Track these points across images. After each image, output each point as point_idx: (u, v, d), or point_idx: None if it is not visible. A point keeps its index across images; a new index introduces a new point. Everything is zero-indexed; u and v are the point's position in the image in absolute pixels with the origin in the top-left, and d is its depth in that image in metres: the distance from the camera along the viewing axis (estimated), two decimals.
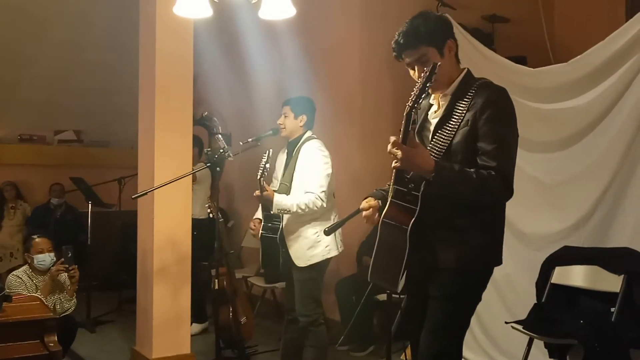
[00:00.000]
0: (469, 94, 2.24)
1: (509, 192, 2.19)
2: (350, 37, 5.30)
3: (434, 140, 2.28)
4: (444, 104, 2.32)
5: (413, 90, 2.11)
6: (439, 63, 2.13)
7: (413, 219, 2.16)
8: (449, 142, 2.22)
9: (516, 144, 2.25)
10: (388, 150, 2.12)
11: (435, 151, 2.24)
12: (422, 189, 2.18)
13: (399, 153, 2.09)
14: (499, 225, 2.31)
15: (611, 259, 3.45)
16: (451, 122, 2.24)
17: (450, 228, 2.22)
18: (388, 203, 2.26)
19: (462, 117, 2.22)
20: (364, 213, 2.42)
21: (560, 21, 5.37)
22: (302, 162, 3.48)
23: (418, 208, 2.17)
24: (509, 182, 2.17)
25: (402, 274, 2.17)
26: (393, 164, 2.16)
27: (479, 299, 2.33)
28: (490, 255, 2.29)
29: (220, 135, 3.76)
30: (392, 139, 2.11)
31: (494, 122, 2.17)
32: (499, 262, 2.32)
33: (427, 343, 2.29)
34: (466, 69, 2.35)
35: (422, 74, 2.13)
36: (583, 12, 5.27)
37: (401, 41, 2.29)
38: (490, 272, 2.33)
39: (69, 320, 3.89)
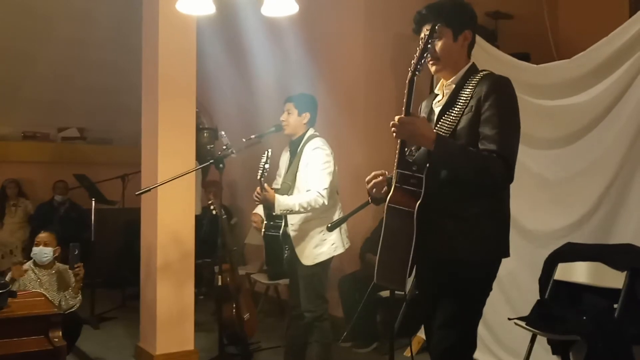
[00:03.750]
0: (473, 82, 2.27)
1: (509, 177, 2.18)
2: (354, 34, 5.29)
3: (437, 126, 2.28)
4: (447, 92, 2.34)
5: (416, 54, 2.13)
6: (438, 24, 2.17)
7: (419, 202, 2.14)
8: (452, 128, 2.23)
9: (518, 132, 2.24)
10: (391, 124, 2.13)
11: None
12: (425, 170, 2.18)
13: (406, 125, 2.11)
14: (505, 216, 2.30)
15: (614, 256, 3.44)
16: (455, 109, 2.26)
17: (456, 217, 2.20)
18: (392, 188, 2.23)
19: (466, 104, 2.23)
20: (369, 185, 2.35)
21: (563, 17, 5.37)
22: (305, 161, 3.48)
23: (423, 190, 2.16)
24: (509, 167, 2.16)
25: (410, 264, 2.13)
26: (394, 135, 2.16)
27: (489, 290, 2.31)
28: (497, 246, 2.27)
29: (223, 132, 3.76)
30: (397, 117, 2.13)
31: (497, 108, 2.17)
32: (505, 253, 2.30)
33: (439, 338, 2.29)
34: (472, 62, 2.38)
35: (422, 35, 2.18)
36: (586, 9, 5.26)
37: (423, 12, 2.33)
38: (498, 263, 2.31)
39: (74, 317, 3.90)
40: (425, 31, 2.29)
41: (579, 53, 3.80)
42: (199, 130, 5.84)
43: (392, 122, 2.14)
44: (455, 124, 2.23)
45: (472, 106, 2.21)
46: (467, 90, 2.26)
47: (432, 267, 2.28)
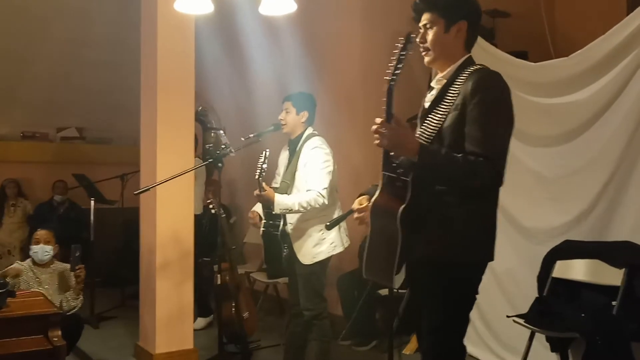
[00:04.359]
0: (462, 77, 2.16)
1: (498, 180, 2.08)
2: (351, 33, 5.30)
3: (424, 124, 2.19)
4: (438, 87, 2.24)
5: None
6: (413, 35, 2.09)
7: (403, 205, 2.06)
8: (439, 126, 2.14)
9: (508, 130, 2.12)
10: (373, 129, 2.06)
11: (425, 135, 2.17)
12: (411, 175, 2.10)
13: (386, 132, 2.03)
14: (491, 218, 2.20)
15: (612, 253, 3.45)
16: (442, 106, 2.16)
17: (440, 219, 2.12)
18: (378, 191, 2.17)
19: (453, 101, 2.13)
20: (355, 215, 2.35)
21: (561, 15, 5.37)
22: (304, 160, 3.48)
23: (409, 194, 2.08)
24: (497, 169, 2.05)
25: (396, 266, 2.08)
26: (375, 142, 2.08)
27: (474, 294, 2.21)
28: (480, 249, 2.17)
29: (222, 131, 3.76)
30: (378, 120, 2.06)
31: (484, 106, 2.06)
32: (490, 257, 2.20)
33: (427, 344, 2.24)
34: (468, 55, 2.26)
35: (421, 24, 2.14)
36: (584, 6, 5.27)
37: (417, 0, 2.26)
38: (482, 267, 2.21)
39: (75, 318, 3.90)
40: (423, 21, 2.23)
41: (576, 51, 3.81)
42: (206, 129, 5.83)
43: (372, 129, 2.06)
44: (441, 122, 2.14)
45: (458, 104, 2.11)
46: (456, 86, 2.15)
47: (418, 269, 2.18)
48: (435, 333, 2.19)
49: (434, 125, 2.16)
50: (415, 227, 2.10)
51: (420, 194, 2.10)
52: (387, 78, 2.05)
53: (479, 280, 2.21)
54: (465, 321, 2.23)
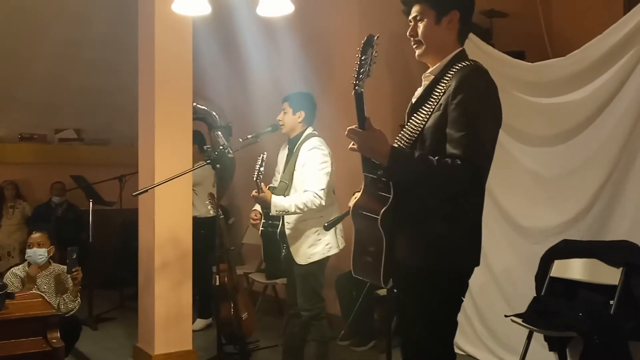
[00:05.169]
0: (449, 74, 2.04)
1: (478, 182, 1.99)
2: (349, 33, 5.30)
3: (408, 124, 2.10)
4: (425, 84, 2.14)
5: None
6: (376, 36, 1.95)
7: (384, 208, 1.99)
8: (422, 127, 2.04)
9: (493, 129, 2.02)
10: (346, 134, 1.99)
11: (406, 137, 2.08)
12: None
13: (355, 138, 1.98)
14: (477, 221, 2.09)
15: (609, 252, 3.47)
16: (427, 106, 2.06)
17: (424, 223, 2.02)
18: (361, 191, 2.11)
19: (438, 100, 2.02)
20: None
21: (558, 15, 5.38)
22: (301, 161, 3.48)
23: (392, 196, 2.00)
24: (477, 172, 1.94)
25: (382, 271, 2.02)
26: (349, 147, 2.02)
27: (459, 301, 2.12)
28: (466, 255, 2.07)
29: (219, 132, 3.76)
30: (349, 129, 1.99)
31: (465, 106, 1.94)
32: (474, 262, 2.10)
33: (415, 351, 2.15)
34: (460, 49, 2.14)
35: (410, 17, 2.09)
36: (581, 6, 5.28)
37: None
38: (465, 272, 2.11)
39: (73, 319, 3.90)
40: (413, 14, 2.14)
41: (573, 50, 3.82)
42: (212, 129, 5.80)
43: (346, 133, 1.99)
44: (424, 123, 2.04)
45: (441, 104, 2.00)
46: (443, 84, 2.04)
47: (403, 274, 2.09)
48: (423, 339, 2.10)
49: (416, 125, 2.07)
50: (398, 231, 2.03)
51: (403, 196, 2.01)
52: (353, 82, 1.96)
53: (464, 285, 2.13)
54: (453, 326, 2.14)
